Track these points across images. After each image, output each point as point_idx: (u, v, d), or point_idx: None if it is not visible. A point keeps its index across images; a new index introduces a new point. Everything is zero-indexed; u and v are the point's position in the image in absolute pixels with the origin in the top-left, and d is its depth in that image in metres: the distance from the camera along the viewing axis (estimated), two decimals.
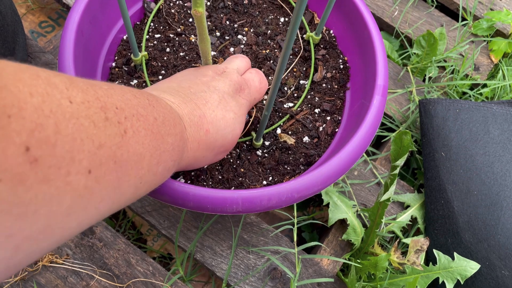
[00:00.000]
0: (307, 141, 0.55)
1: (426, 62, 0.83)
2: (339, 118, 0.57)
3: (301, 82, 0.58)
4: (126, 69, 0.57)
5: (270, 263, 0.66)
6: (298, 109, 0.56)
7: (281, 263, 0.66)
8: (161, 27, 0.60)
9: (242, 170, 0.52)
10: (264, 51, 0.58)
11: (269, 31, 0.61)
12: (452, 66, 0.85)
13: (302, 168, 0.55)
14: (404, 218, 0.71)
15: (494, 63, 0.89)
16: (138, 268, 0.64)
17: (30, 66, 0.20)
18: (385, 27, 0.91)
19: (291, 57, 0.59)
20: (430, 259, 0.68)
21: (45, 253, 0.22)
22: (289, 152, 0.54)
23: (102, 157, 0.22)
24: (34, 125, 0.18)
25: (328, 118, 0.56)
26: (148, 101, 0.31)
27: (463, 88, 0.84)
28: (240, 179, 0.52)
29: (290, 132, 0.55)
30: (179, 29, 0.59)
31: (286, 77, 0.57)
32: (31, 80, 0.19)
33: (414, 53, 0.84)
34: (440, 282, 0.63)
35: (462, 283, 0.61)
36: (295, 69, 0.58)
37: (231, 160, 0.52)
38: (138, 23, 0.61)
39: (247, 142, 0.53)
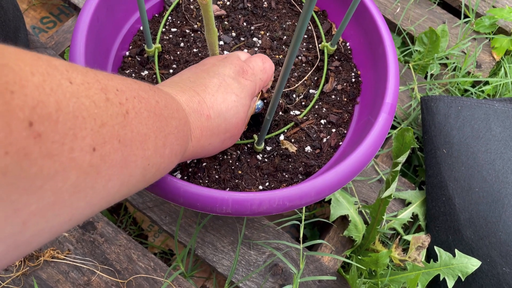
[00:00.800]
0: (309, 151, 0.54)
1: (428, 59, 0.82)
2: (345, 131, 0.56)
3: (311, 91, 0.57)
4: (138, 59, 0.57)
5: (271, 259, 0.66)
6: (304, 117, 0.55)
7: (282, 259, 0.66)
8: (178, 22, 0.60)
9: (240, 172, 0.51)
10: (277, 56, 0.58)
11: (284, 37, 0.60)
12: (454, 63, 0.85)
13: (300, 177, 0.54)
14: (405, 215, 0.71)
15: (496, 60, 0.88)
16: (139, 264, 0.64)
17: (29, 51, 0.21)
18: (387, 24, 0.91)
19: (303, 65, 0.58)
20: (431, 256, 0.68)
21: (56, 233, 0.22)
22: (289, 160, 0.53)
23: (105, 135, 0.23)
24: (36, 101, 0.18)
25: (333, 130, 0.55)
26: (149, 87, 0.32)
27: (465, 85, 0.84)
28: (236, 181, 0.52)
29: (293, 140, 0.54)
30: (195, 26, 0.59)
31: (295, 85, 0.57)
32: (32, 60, 0.19)
33: (416, 50, 0.84)
34: (441, 279, 0.63)
35: (463, 280, 0.61)
36: (306, 77, 0.57)
37: (230, 161, 0.52)
38: (156, 15, 0.61)
39: (249, 145, 0.53)
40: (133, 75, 0.56)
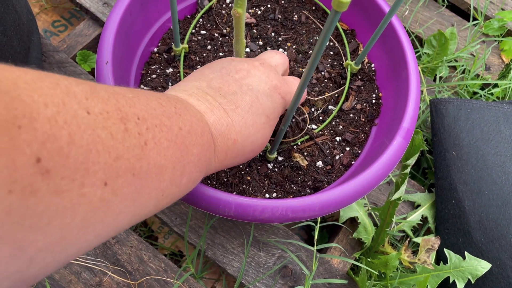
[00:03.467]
0: (320, 166, 0.54)
1: (436, 62, 0.83)
2: (359, 151, 0.56)
3: (330, 107, 0.57)
4: (165, 56, 0.57)
5: (281, 261, 0.67)
6: (320, 132, 0.55)
7: (292, 260, 0.67)
8: (209, 25, 0.61)
9: (249, 178, 0.52)
10: (301, 69, 0.58)
11: (310, 51, 0.60)
12: (463, 66, 0.85)
13: (308, 191, 0.54)
14: (415, 217, 0.71)
15: (505, 63, 0.88)
16: (150, 265, 0.64)
17: (52, 74, 0.20)
18: None
19: (325, 81, 0.58)
20: (441, 258, 0.68)
21: (62, 264, 0.21)
22: (299, 172, 0.53)
23: (119, 169, 0.22)
24: (46, 136, 0.17)
25: (348, 148, 0.55)
26: (175, 109, 0.30)
27: (474, 88, 0.84)
28: (244, 186, 0.52)
29: (305, 153, 0.54)
30: (224, 30, 0.60)
31: (316, 99, 0.57)
32: (49, 89, 0.19)
33: (425, 53, 0.84)
34: (451, 281, 0.63)
35: (473, 282, 0.61)
36: (326, 93, 0.57)
37: (241, 166, 0.52)
38: (188, 16, 0.62)
39: (261, 153, 0.53)
40: (158, 71, 0.57)
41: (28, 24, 0.67)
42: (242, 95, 0.39)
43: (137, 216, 0.26)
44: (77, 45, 0.80)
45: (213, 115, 0.36)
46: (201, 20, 0.61)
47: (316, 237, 0.64)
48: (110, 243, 0.65)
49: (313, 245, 0.63)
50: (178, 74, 0.56)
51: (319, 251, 0.73)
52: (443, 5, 0.94)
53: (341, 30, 0.63)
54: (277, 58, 0.46)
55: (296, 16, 0.63)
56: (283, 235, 0.68)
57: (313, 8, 0.64)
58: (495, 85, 0.86)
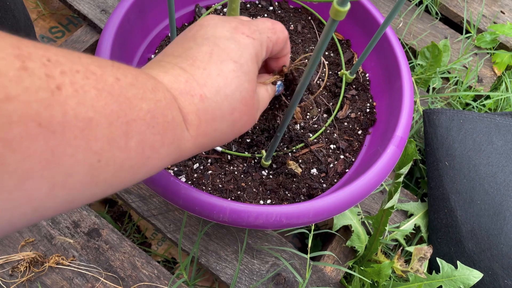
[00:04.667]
0: (314, 173, 0.54)
1: (430, 73, 0.84)
2: (353, 159, 0.56)
3: (324, 115, 0.57)
4: None
5: (275, 269, 0.67)
6: (314, 140, 0.56)
7: (285, 268, 0.67)
8: None
9: (243, 184, 0.52)
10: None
11: (306, 60, 0.61)
12: (456, 77, 0.86)
13: (302, 198, 0.54)
14: (408, 226, 0.71)
15: (497, 75, 0.90)
16: (143, 271, 0.64)
17: None
18: None
19: (321, 89, 0.59)
20: (433, 267, 0.69)
21: None
22: (294, 179, 0.53)
23: (12, 114, 0.18)
24: None
25: (342, 156, 0.55)
26: (112, 63, 0.25)
27: (467, 99, 0.85)
28: (239, 192, 0.52)
29: (300, 161, 0.54)
30: None
31: (311, 107, 0.57)
32: None
33: (419, 64, 0.86)
34: None
35: None
36: (322, 101, 0.58)
37: (236, 173, 0.53)
38: (186, 24, 0.62)
39: (256, 159, 0.54)
40: None
41: (26, 29, 0.67)
42: (198, 47, 0.33)
43: (63, 189, 0.21)
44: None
45: (167, 75, 0.31)
46: None
47: (309, 244, 0.64)
48: (103, 249, 0.65)
49: (306, 253, 0.63)
50: None
51: (312, 259, 0.73)
52: (437, 18, 0.95)
53: (336, 40, 0.63)
54: (263, 22, 0.38)
55: (292, 25, 0.63)
56: (277, 242, 0.68)
57: (309, 18, 0.65)
58: (487, 97, 0.87)
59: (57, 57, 0.21)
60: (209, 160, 0.53)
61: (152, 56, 0.59)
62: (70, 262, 0.63)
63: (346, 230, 0.72)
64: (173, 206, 0.69)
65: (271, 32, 0.37)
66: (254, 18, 0.64)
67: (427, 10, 0.97)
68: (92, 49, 0.82)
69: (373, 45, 0.54)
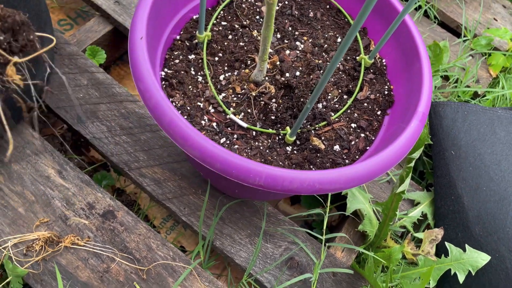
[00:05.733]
0: (337, 150, 0.56)
1: (432, 71, 0.87)
2: (373, 138, 0.58)
3: (345, 96, 0.60)
4: (187, 44, 0.60)
5: (288, 253, 0.68)
6: (336, 119, 0.58)
7: (298, 252, 0.68)
8: (229, 17, 0.63)
9: (270, 158, 0.53)
10: (317, 61, 0.61)
11: (325, 45, 0.63)
12: (455, 76, 0.90)
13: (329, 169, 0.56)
14: (415, 213, 0.73)
15: (493, 76, 0.94)
16: (158, 253, 0.64)
17: None
18: None
19: (340, 72, 0.62)
20: (441, 252, 0.71)
21: None
22: (318, 154, 0.55)
23: None
24: None
25: (362, 135, 0.58)
26: None
27: (466, 97, 0.89)
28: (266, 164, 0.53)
29: (323, 138, 0.56)
30: (245, 22, 0.63)
31: (331, 88, 0.60)
32: None
33: None
34: (452, 273, 0.65)
35: (473, 274, 0.64)
36: (341, 83, 0.60)
37: (261, 148, 0.54)
38: (209, 8, 0.64)
39: (280, 136, 0.55)
40: (181, 56, 0.58)
41: (46, 12, 0.68)
42: None
43: None
44: (87, 40, 0.81)
45: None
46: (222, 12, 0.63)
47: (325, 225, 0.65)
48: (118, 231, 0.65)
49: (326, 238, 0.65)
50: (200, 61, 0.58)
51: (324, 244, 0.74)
52: (435, 22, 1.00)
53: None
54: None
55: (312, 13, 0.66)
56: (290, 227, 0.69)
57: (327, 7, 0.68)
58: (484, 96, 0.91)
59: None
60: (235, 136, 0.54)
61: (178, 37, 0.60)
62: (85, 243, 0.63)
63: (354, 220, 0.73)
64: (187, 190, 0.69)
65: None
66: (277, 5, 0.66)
67: (426, 15, 1.02)
68: (104, 39, 0.83)
69: (391, 31, 0.56)
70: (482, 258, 0.64)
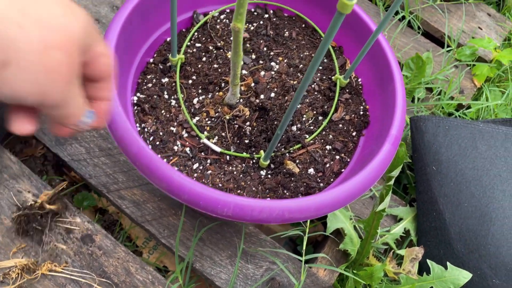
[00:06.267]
0: (312, 173, 0.56)
1: (414, 84, 0.87)
2: (348, 160, 0.58)
3: (319, 118, 0.59)
4: (161, 67, 0.59)
5: (269, 273, 0.67)
6: (311, 141, 0.57)
7: (280, 273, 0.67)
8: (204, 38, 0.63)
9: (243, 183, 0.53)
10: (292, 82, 0.60)
11: (301, 65, 0.63)
12: (439, 88, 0.90)
13: (300, 197, 0.55)
14: (398, 230, 0.73)
15: (477, 87, 0.94)
16: (137, 277, 0.64)
17: None
18: None
19: (315, 93, 0.61)
20: (423, 269, 0.70)
21: None
22: (292, 179, 0.54)
23: None
24: None
25: (337, 157, 0.57)
26: None
27: (449, 109, 0.88)
28: (238, 191, 0.53)
29: (297, 161, 0.56)
30: (219, 44, 0.62)
31: (306, 110, 0.59)
32: None
33: (403, 75, 0.89)
34: None
35: None
36: (316, 104, 0.60)
37: (235, 173, 0.54)
38: (183, 30, 0.64)
39: (254, 160, 0.55)
40: (154, 80, 0.58)
41: None
42: None
43: None
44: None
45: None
46: (196, 33, 0.63)
47: (304, 247, 0.65)
48: (96, 255, 0.64)
49: (306, 259, 0.64)
50: (174, 84, 0.58)
51: (305, 263, 0.74)
52: (419, 32, 0.99)
53: (330, 46, 0.66)
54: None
55: (287, 32, 0.65)
56: (271, 247, 0.69)
57: (303, 26, 0.67)
58: (468, 107, 0.91)
59: None
60: (208, 161, 0.54)
61: (151, 60, 0.60)
62: (62, 269, 0.62)
63: (337, 236, 0.73)
64: (167, 211, 0.69)
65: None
66: (249, 25, 0.66)
67: (409, 25, 1.01)
68: None
69: (365, 51, 0.56)
70: (463, 276, 0.64)
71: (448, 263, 0.64)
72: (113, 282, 0.63)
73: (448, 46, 0.99)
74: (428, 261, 0.66)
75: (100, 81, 0.35)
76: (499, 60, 0.93)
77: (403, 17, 1.00)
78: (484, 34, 1.01)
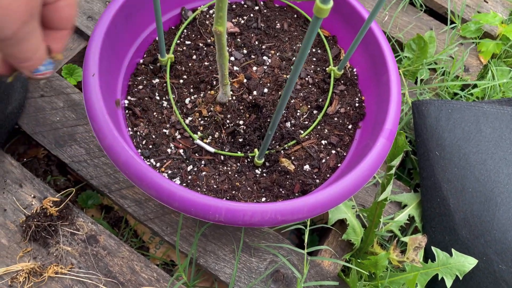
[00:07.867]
0: (307, 170, 0.55)
1: (417, 65, 0.85)
2: (344, 154, 0.57)
3: (314, 112, 0.58)
4: (151, 67, 0.58)
5: (273, 266, 0.67)
6: (306, 137, 0.56)
7: (283, 265, 0.67)
8: (193, 35, 0.62)
9: (238, 184, 0.52)
10: (284, 75, 0.59)
11: (294, 58, 0.61)
12: (442, 68, 0.87)
13: (296, 195, 0.55)
14: (402, 217, 0.72)
15: (483, 64, 0.91)
16: (142, 275, 0.65)
17: None
18: None
19: (309, 86, 0.60)
20: (428, 256, 0.70)
21: None
22: (287, 176, 0.54)
23: None
24: None
25: (333, 152, 0.56)
26: None
27: (454, 89, 0.86)
28: (233, 192, 0.52)
29: (293, 158, 0.55)
30: (209, 40, 0.61)
31: (300, 104, 0.58)
32: None
33: (405, 57, 0.86)
34: (439, 278, 0.64)
35: (460, 278, 0.63)
36: (311, 98, 0.58)
37: (230, 172, 0.53)
38: (173, 27, 0.63)
39: (249, 159, 0.54)
40: (145, 82, 0.57)
41: None
42: None
43: None
44: (62, 60, 0.80)
45: None
46: (185, 31, 0.62)
47: (306, 240, 0.64)
48: (101, 255, 0.65)
49: (303, 249, 0.64)
50: (165, 85, 0.57)
51: (310, 254, 0.74)
52: (421, 10, 0.96)
53: (322, 36, 0.64)
54: None
55: (278, 24, 0.64)
56: (274, 240, 0.69)
57: (295, 16, 0.65)
58: (475, 86, 0.88)
59: None
60: (203, 162, 0.53)
61: (141, 61, 0.59)
62: (69, 270, 0.63)
63: (342, 224, 0.73)
64: (169, 209, 0.69)
65: None
66: (240, 19, 0.64)
67: (411, 3, 0.98)
68: (80, 56, 0.82)
69: (359, 40, 0.54)
70: (469, 262, 0.63)
71: (453, 250, 0.63)
72: (119, 281, 0.64)
73: (452, 22, 0.95)
74: (433, 248, 0.65)
75: (58, 29, 0.33)
76: (506, 35, 0.90)
77: None
78: (490, 8, 0.97)
